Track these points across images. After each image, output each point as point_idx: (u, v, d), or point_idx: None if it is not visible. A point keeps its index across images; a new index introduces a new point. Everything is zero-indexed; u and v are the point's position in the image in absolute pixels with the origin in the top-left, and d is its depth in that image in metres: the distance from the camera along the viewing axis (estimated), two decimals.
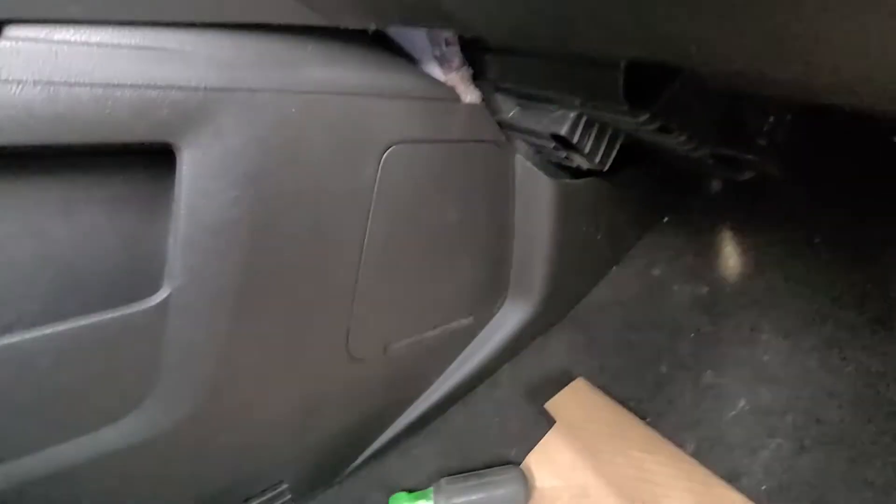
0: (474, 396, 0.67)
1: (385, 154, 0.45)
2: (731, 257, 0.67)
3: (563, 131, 0.47)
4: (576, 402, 0.58)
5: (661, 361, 0.64)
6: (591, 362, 0.66)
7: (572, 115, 0.47)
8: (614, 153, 0.51)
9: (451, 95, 0.48)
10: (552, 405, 0.57)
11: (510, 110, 0.52)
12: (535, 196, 0.57)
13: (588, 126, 0.48)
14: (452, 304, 0.59)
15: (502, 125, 0.53)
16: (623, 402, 0.61)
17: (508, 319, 0.65)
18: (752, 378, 0.59)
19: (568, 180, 0.57)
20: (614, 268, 0.71)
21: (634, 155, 0.58)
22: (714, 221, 0.69)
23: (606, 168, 0.52)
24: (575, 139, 0.47)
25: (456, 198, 0.52)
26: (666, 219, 0.71)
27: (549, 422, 0.63)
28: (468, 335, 0.64)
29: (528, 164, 0.55)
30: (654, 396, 0.62)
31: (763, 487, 0.52)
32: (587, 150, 0.49)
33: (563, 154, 0.51)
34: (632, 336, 0.66)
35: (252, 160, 0.39)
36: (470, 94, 0.49)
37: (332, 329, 0.50)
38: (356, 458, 0.61)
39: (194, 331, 0.40)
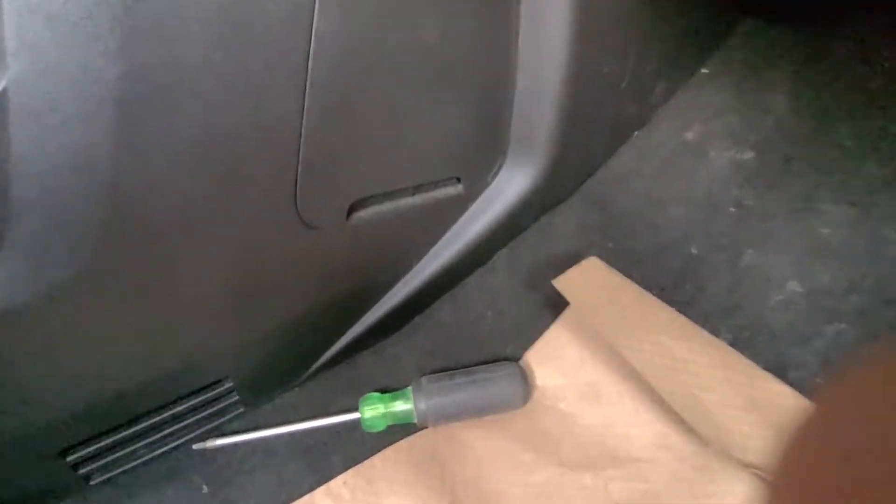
0: (464, 285, 0.56)
1: None
2: (782, 112, 0.54)
3: None
4: (588, 281, 0.47)
5: (691, 242, 0.53)
6: (606, 244, 0.55)
7: None
8: None
9: None
10: (562, 282, 0.46)
11: None
12: (547, 11, 0.42)
13: None
14: (434, 162, 0.46)
15: None
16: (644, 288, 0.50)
17: (507, 189, 0.52)
18: (806, 255, 0.48)
19: None
20: (637, 132, 0.58)
21: None
22: (765, 69, 0.55)
23: None
24: None
25: (434, 3, 0.38)
26: (706, 70, 0.57)
27: (553, 313, 0.52)
28: (456, 207, 0.51)
29: None
30: (682, 283, 0.51)
31: (818, 381, 0.43)
32: None
33: None
34: (656, 214, 0.54)
35: None
36: None
37: (274, 178, 0.37)
38: (318, 356, 0.50)
39: None
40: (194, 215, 0.34)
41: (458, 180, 0.49)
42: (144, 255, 0.34)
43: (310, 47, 0.34)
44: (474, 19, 0.41)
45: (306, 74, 0.34)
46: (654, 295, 0.50)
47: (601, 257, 0.54)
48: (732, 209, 0.53)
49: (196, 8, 0.29)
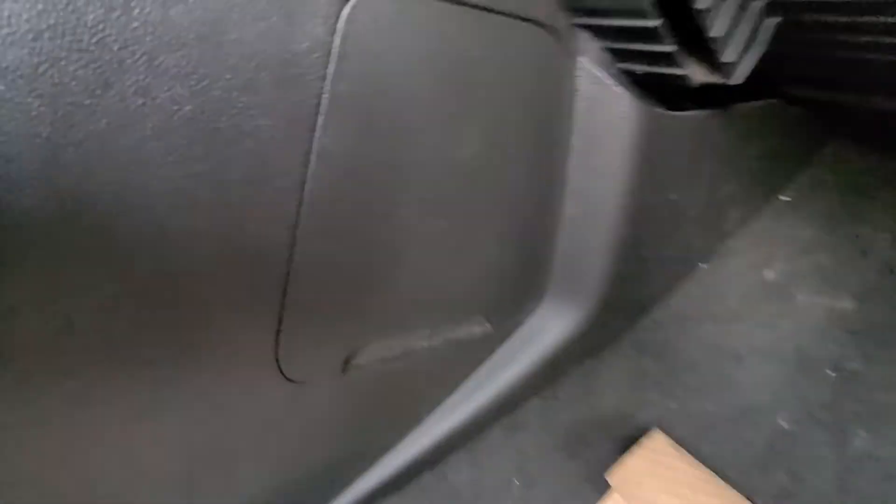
0: (486, 443, 0.45)
1: (349, 6, 0.24)
2: (886, 254, 0.44)
3: None
4: (651, 472, 0.36)
5: (779, 410, 0.41)
6: (667, 404, 0.44)
7: None
8: (758, 50, 0.29)
9: None
10: (617, 477, 0.35)
11: None
12: (607, 130, 0.35)
13: None
14: (458, 300, 0.37)
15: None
16: (719, 472, 0.39)
17: (545, 329, 0.42)
18: None
19: (663, 110, 0.35)
20: (703, 265, 0.48)
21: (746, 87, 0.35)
22: (856, 199, 0.46)
23: (738, 79, 0.30)
24: (703, 2, 0.25)
25: (470, 114, 0.30)
26: (787, 197, 0.48)
27: (597, 489, 0.40)
28: (482, 349, 0.42)
29: (599, 74, 0.33)
30: (770, 466, 0.39)
31: None
32: (721, 28, 0.27)
33: (667, 50, 0.29)
34: (731, 368, 0.44)
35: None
36: None
37: (249, 322, 0.28)
38: None
39: None
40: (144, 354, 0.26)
41: (487, 319, 0.40)
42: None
43: (307, 168, 0.26)
44: (518, 132, 0.34)
45: (300, 198, 0.27)
46: (732, 478, 0.38)
47: (660, 420, 0.43)
48: (831, 372, 0.41)
49: (165, 117, 0.22)
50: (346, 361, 0.33)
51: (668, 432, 0.41)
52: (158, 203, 0.23)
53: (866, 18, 0.25)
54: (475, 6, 0.27)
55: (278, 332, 0.29)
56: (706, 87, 0.32)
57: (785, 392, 0.42)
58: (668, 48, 0.29)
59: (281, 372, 0.31)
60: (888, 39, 0.26)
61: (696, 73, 0.31)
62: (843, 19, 0.26)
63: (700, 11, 0.26)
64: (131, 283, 0.24)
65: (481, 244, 0.36)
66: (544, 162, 0.35)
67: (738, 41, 0.28)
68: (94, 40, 0.20)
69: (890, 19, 0.23)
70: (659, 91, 0.34)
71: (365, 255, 0.30)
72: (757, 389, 0.42)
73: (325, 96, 0.25)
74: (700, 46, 0.30)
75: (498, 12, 0.28)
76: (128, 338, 0.25)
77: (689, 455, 0.38)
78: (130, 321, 0.24)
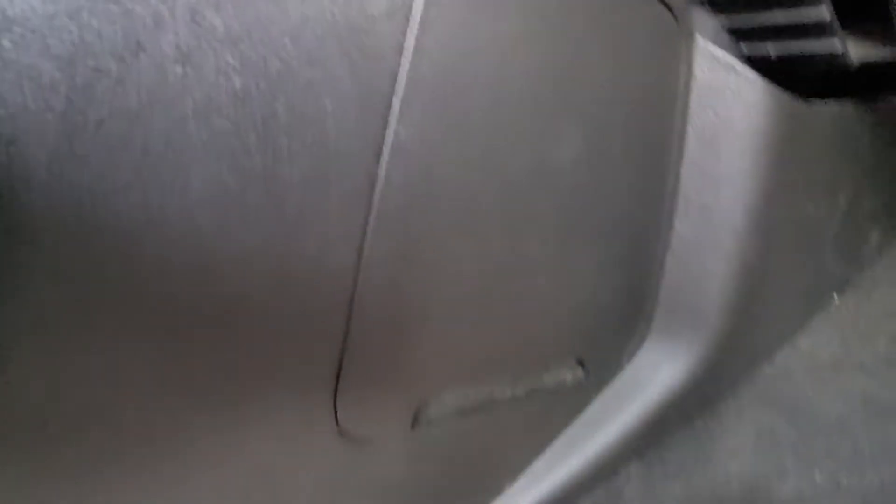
0: None
1: None
2: None
3: None
4: None
5: None
6: (810, 475, 0.34)
7: None
8: None
9: None
10: None
11: None
12: (730, 126, 0.28)
13: None
14: (547, 339, 0.31)
15: None
16: None
17: (649, 377, 0.35)
18: None
19: (802, 100, 0.28)
20: (836, 297, 0.40)
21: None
22: None
23: None
24: None
25: (572, 107, 0.25)
26: None
27: None
28: (574, 401, 0.34)
29: (724, 57, 0.27)
30: None
31: None
32: None
33: (819, 18, 0.23)
34: (893, 433, 0.34)
35: None
36: None
37: (305, 375, 0.23)
38: None
39: None
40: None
41: (580, 363, 0.33)
42: None
43: (378, 167, 0.21)
44: (626, 130, 0.28)
45: (369, 207, 0.21)
46: None
47: (803, 501, 0.33)
48: None
49: (210, 93, 0.17)
50: (416, 415, 0.27)
51: None
52: (198, 209, 0.18)
53: None
54: None
55: (337, 378, 0.23)
56: (861, 76, 0.26)
57: None
58: (820, 13, 0.23)
59: (339, 428, 0.25)
60: None
61: (857, 49, 0.24)
62: None
63: None
64: (163, 318, 0.19)
65: (577, 269, 0.29)
66: (653, 168, 0.29)
67: None
68: None
69: None
70: (797, 79, 0.28)
71: (440, 282, 0.25)
72: None
73: (403, 75, 0.20)
74: (859, 16, 0.23)
75: None
76: (158, 388, 0.20)
77: None
78: (159, 366, 0.19)
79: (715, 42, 0.28)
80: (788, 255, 0.34)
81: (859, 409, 0.35)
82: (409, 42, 0.20)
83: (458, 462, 0.31)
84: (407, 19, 0.20)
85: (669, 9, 0.26)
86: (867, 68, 0.25)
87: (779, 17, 0.25)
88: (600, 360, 0.34)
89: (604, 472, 0.37)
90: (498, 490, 0.33)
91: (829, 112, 0.29)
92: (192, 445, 0.21)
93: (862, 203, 0.35)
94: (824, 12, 0.23)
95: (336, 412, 0.24)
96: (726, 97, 0.28)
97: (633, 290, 0.33)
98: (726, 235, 0.31)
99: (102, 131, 0.16)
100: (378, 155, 0.21)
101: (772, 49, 0.26)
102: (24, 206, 0.15)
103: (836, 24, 0.24)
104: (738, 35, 0.27)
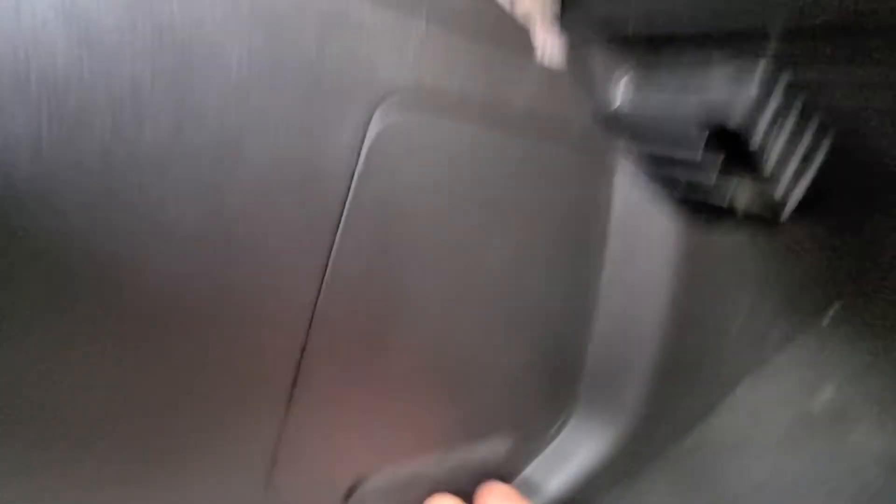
0: None
1: (374, 122, 0.23)
2: None
3: (740, 115, 0.23)
4: None
5: None
6: None
7: (759, 72, 0.23)
8: (807, 181, 0.27)
9: (518, 40, 0.26)
10: None
11: (616, 87, 0.29)
12: (646, 245, 0.32)
13: (785, 104, 0.24)
14: (479, 413, 0.34)
15: (600, 120, 0.30)
16: None
17: (575, 449, 0.38)
18: None
19: (703, 231, 0.33)
20: (743, 381, 0.44)
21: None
22: None
23: (783, 217, 0.28)
24: (758, 134, 0.24)
25: (499, 229, 0.29)
26: (832, 309, 0.44)
27: None
28: (504, 470, 0.38)
29: (638, 190, 0.31)
30: None
31: None
32: (771, 163, 0.25)
33: (710, 178, 0.27)
34: None
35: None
36: (550, 44, 0.27)
37: (242, 452, 0.26)
38: None
39: None
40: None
41: (509, 435, 0.36)
42: None
43: (321, 285, 0.24)
44: (550, 245, 0.32)
45: (311, 315, 0.25)
46: None
47: None
48: None
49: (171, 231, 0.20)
50: (349, 492, 0.30)
51: None
52: (162, 323, 0.21)
53: None
54: (511, 128, 0.26)
55: (276, 450, 0.26)
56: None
57: None
58: (709, 179, 0.27)
59: (274, 496, 0.27)
60: None
61: (741, 202, 0.29)
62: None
63: (754, 151, 0.24)
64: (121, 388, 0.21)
65: (506, 360, 0.33)
66: (577, 277, 0.33)
67: (789, 174, 0.26)
68: (101, 155, 0.18)
69: None
70: (696, 211, 0.32)
71: (376, 375, 0.28)
72: None
73: (345, 214, 0.24)
74: (746, 176, 0.28)
75: (534, 132, 0.27)
76: (107, 435, 0.22)
77: None
78: (111, 419, 0.22)
79: (633, 177, 0.32)
80: (697, 349, 0.38)
81: (750, 491, 0.40)
82: (351, 188, 0.23)
83: None
84: (349, 170, 0.23)
85: (593, 152, 0.30)
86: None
87: (680, 173, 0.29)
88: (528, 433, 0.37)
89: None
90: None
91: (730, 236, 0.34)
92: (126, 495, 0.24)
93: (764, 305, 0.39)
94: (712, 180, 0.27)
95: (271, 482, 0.27)
96: (641, 222, 0.32)
97: (558, 379, 0.36)
98: (640, 335, 0.35)
99: (81, 258, 0.19)
100: (320, 279, 0.24)
101: (677, 194, 0.30)
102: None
103: (723, 186, 0.28)
104: (652, 178, 0.31)
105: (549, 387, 0.36)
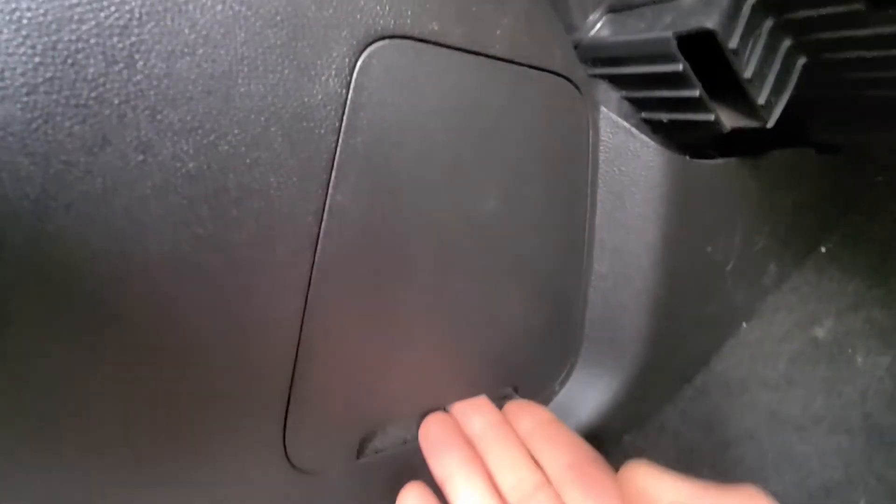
0: None
1: (363, 56, 0.23)
2: None
3: (713, 23, 0.24)
4: None
5: (858, 491, 0.36)
6: (720, 482, 0.38)
7: None
8: (788, 91, 0.28)
9: None
10: None
11: (594, 17, 0.30)
12: (633, 181, 0.33)
13: (754, 22, 0.25)
14: (483, 370, 0.34)
15: (580, 50, 0.30)
16: None
17: (579, 401, 0.38)
18: None
19: (691, 159, 0.33)
20: (745, 324, 0.45)
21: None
22: None
23: (772, 122, 0.28)
24: (733, 41, 0.24)
25: (490, 167, 0.29)
26: (824, 248, 0.45)
27: None
28: None
29: (623, 123, 0.32)
30: None
31: None
32: (751, 70, 0.25)
33: (693, 94, 0.28)
34: (795, 441, 0.39)
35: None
36: None
37: (256, 411, 0.25)
38: None
39: None
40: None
41: (516, 390, 0.36)
42: None
43: (320, 227, 0.24)
44: (541, 184, 0.32)
45: (312, 260, 0.24)
46: None
47: None
48: None
49: (167, 175, 0.20)
50: (361, 446, 0.30)
51: None
52: (157, 271, 0.21)
53: (884, 52, 0.24)
54: (494, 57, 0.27)
55: (286, 415, 0.26)
56: (736, 136, 0.31)
57: (859, 468, 0.37)
58: (694, 93, 0.28)
59: (289, 461, 0.27)
60: None
61: (727, 118, 0.29)
62: (867, 54, 0.25)
63: (731, 51, 0.24)
64: (126, 362, 0.21)
65: (506, 306, 0.33)
66: (569, 216, 0.33)
67: (769, 82, 0.27)
68: (93, 95, 0.18)
69: None
70: (686, 140, 0.33)
71: (380, 322, 0.28)
72: (827, 466, 0.37)
73: (339, 150, 0.24)
74: (728, 90, 0.28)
75: (517, 63, 0.28)
76: (119, 426, 0.22)
77: None
78: (122, 407, 0.22)
79: (618, 110, 0.32)
80: (694, 290, 0.38)
81: (764, 423, 0.40)
82: (344, 123, 0.23)
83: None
84: (342, 106, 0.23)
85: (575, 85, 0.31)
86: (738, 131, 0.30)
87: (665, 93, 0.29)
88: (535, 387, 0.37)
89: None
90: None
91: (716, 167, 0.34)
92: (150, 479, 0.23)
93: (756, 241, 0.40)
94: (697, 92, 0.28)
95: (286, 447, 0.27)
96: (628, 157, 0.32)
97: (560, 323, 0.36)
98: (636, 274, 0.35)
99: (71, 212, 0.19)
100: (319, 218, 0.24)
101: (663, 116, 0.31)
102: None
103: (708, 100, 0.28)
104: (636, 104, 0.32)
105: (552, 335, 0.36)
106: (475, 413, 0.32)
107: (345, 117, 0.23)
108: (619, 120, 0.32)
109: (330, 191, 0.24)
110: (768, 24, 0.25)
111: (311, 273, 0.25)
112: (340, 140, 0.23)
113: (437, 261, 0.28)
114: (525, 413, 0.32)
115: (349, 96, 0.23)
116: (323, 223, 0.24)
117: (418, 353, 0.30)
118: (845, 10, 0.22)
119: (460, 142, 0.27)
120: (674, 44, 0.25)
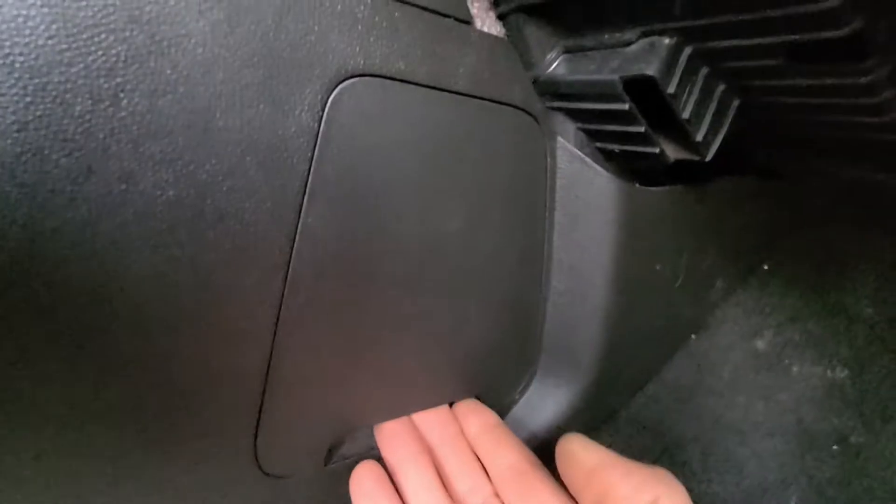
0: None
1: (335, 93, 0.25)
2: (872, 320, 0.44)
3: (653, 70, 0.26)
4: None
5: (791, 490, 0.39)
6: None
7: (665, 44, 0.27)
8: (724, 128, 0.31)
9: (458, 10, 0.29)
10: None
11: (550, 56, 0.32)
12: (588, 206, 0.35)
13: (690, 69, 0.27)
14: (447, 380, 0.36)
15: (538, 86, 0.33)
16: None
17: (538, 408, 0.41)
18: None
19: (641, 186, 0.36)
20: (693, 336, 0.48)
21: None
22: (841, 267, 0.47)
23: (710, 156, 0.31)
24: (671, 86, 0.27)
25: (454, 191, 0.31)
26: (766, 265, 0.49)
27: None
28: None
29: (578, 153, 0.34)
30: None
31: None
32: (688, 111, 0.28)
33: (639, 130, 0.31)
34: (735, 445, 0.42)
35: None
36: (488, 20, 0.30)
37: (229, 419, 0.27)
38: None
39: None
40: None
41: (478, 398, 0.38)
42: None
43: (292, 248, 0.26)
44: (503, 207, 0.34)
45: (284, 279, 0.26)
46: None
47: None
48: (835, 447, 0.40)
49: (148, 202, 0.22)
50: (330, 453, 0.31)
51: None
52: (137, 291, 0.22)
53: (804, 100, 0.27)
54: (457, 92, 0.29)
55: (258, 423, 0.28)
56: (681, 166, 0.33)
57: (792, 469, 0.40)
58: (640, 128, 0.31)
59: (259, 466, 0.28)
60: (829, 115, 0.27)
61: (671, 151, 0.32)
62: (790, 100, 0.28)
63: (670, 95, 0.27)
64: (107, 374, 0.22)
65: (469, 320, 0.35)
66: (528, 237, 0.36)
67: (706, 121, 0.29)
68: (79, 130, 0.20)
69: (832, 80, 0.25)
70: (636, 168, 0.36)
71: (349, 336, 0.30)
72: (765, 469, 0.40)
73: (311, 178, 0.25)
74: (672, 126, 0.31)
75: (479, 97, 0.30)
76: (95, 432, 0.23)
77: None
78: (99, 414, 0.23)
79: (573, 140, 0.35)
80: (645, 305, 0.41)
81: (709, 428, 0.43)
82: (314, 154, 0.25)
83: None
84: (312, 137, 0.25)
85: (534, 117, 0.33)
86: (683, 162, 0.32)
87: (614, 127, 0.32)
88: (496, 395, 0.39)
89: None
90: None
91: (664, 193, 0.37)
92: (123, 482, 0.25)
93: (703, 260, 0.43)
94: (642, 128, 0.30)
95: (256, 453, 0.28)
96: (583, 183, 0.35)
97: (520, 336, 0.39)
98: (591, 290, 0.38)
99: (58, 235, 0.20)
100: (291, 239, 0.26)
101: (615, 147, 0.34)
102: None
103: (653, 134, 0.31)
104: (590, 135, 0.35)
105: (512, 347, 0.39)
106: (435, 424, 0.34)
107: (316, 148, 0.25)
108: (575, 150, 0.34)
109: (302, 215, 0.26)
110: (704, 71, 0.28)
111: (284, 290, 0.26)
112: (312, 169, 0.25)
113: (403, 278, 0.30)
114: (473, 415, 0.35)
115: (321, 129, 0.25)
116: (295, 244, 0.26)
117: (385, 364, 0.32)
118: (767, 63, 0.25)
119: (425, 170, 0.29)
120: (620, 86, 0.28)
